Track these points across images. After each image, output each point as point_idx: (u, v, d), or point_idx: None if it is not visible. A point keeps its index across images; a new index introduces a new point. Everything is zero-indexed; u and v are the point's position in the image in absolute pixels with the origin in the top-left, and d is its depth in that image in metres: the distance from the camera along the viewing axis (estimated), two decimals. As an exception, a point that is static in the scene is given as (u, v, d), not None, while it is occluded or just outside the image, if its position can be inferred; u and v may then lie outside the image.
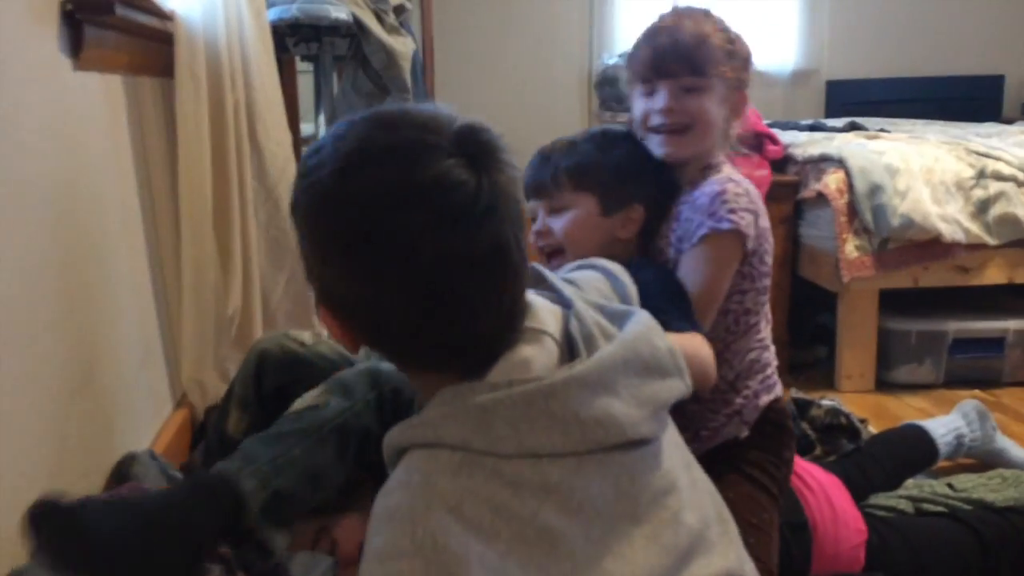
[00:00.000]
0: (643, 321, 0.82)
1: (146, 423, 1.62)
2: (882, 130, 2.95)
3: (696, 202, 1.24)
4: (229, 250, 1.73)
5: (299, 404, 1.18)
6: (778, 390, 1.32)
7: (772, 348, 1.34)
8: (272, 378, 1.38)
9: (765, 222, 1.27)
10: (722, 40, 1.28)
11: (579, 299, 0.83)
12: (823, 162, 2.50)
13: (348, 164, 0.73)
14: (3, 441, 1.02)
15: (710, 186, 1.24)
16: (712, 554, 0.79)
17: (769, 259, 1.28)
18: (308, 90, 2.87)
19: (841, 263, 2.37)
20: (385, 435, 0.77)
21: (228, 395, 1.45)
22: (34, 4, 1.15)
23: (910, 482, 1.69)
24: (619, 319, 0.83)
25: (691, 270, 1.19)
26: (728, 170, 1.29)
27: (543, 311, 0.80)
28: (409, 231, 0.70)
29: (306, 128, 3.24)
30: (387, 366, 1.19)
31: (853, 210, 2.38)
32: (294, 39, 2.33)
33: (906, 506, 1.58)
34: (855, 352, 2.46)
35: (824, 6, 4.42)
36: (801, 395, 1.95)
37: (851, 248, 2.38)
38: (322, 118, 2.57)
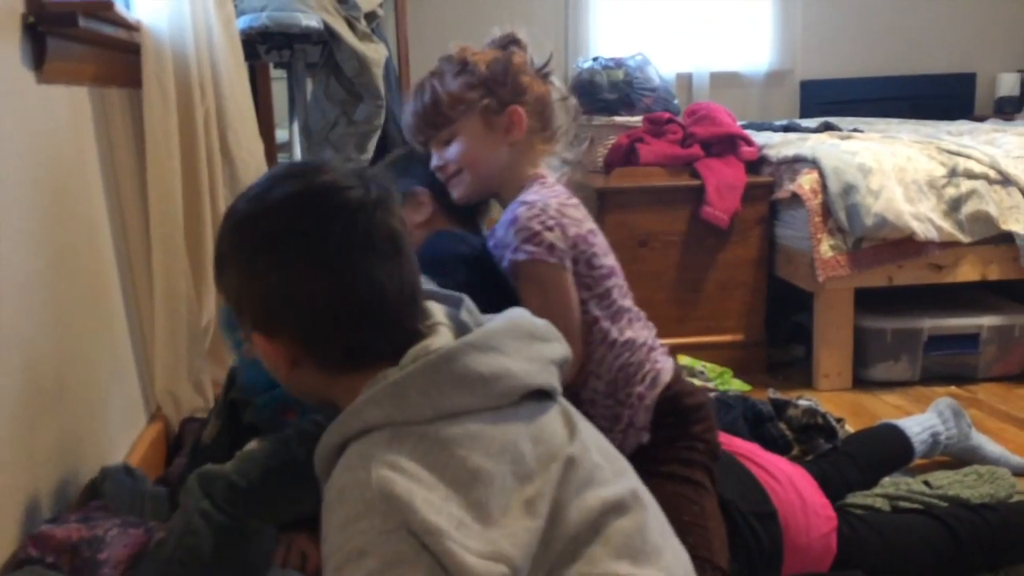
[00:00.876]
0: (518, 310, 0.95)
1: (120, 436, 1.61)
2: (855, 130, 2.97)
3: (498, 232, 1.27)
4: (201, 261, 1.71)
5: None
6: (664, 377, 1.27)
7: (645, 341, 1.29)
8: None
9: (580, 227, 1.25)
10: (458, 81, 1.30)
11: (466, 297, 0.96)
12: (797, 163, 2.52)
13: (260, 189, 0.89)
14: (-33, 460, 1.01)
15: (507, 214, 1.26)
16: (607, 484, 0.86)
17: (603, 259, 1.27)
18: (283, 97, 2.85)
19: (816, 263, 2.39)
20: (317, 446, 0.86)
21: (215, 405, 1.45)
22: (-6, 17, 1.14)
23: (887, 480, 1.70)
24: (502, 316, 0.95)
25: (527, 305, 1.12)
26: (534, 189, 1.28)
27: (435, 309, 0.93)
28: (317, 224, 0.85)
29: (281, 135, 3.22)
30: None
31: (827, 210, 2.40)
32: (265, 47, 2.32)
33: (882, 504, 1.59)
34: (832, 351, 2.47)
35: (797, 7, 4.45)
36: (778, 395, 1.96)
37: (826, 248, 2.39)
38: (296, 125, 2.56)
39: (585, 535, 0.82)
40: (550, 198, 1.24)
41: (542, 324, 0.93)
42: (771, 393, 1.97)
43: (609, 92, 2.82)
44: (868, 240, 2.39)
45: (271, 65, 3.03)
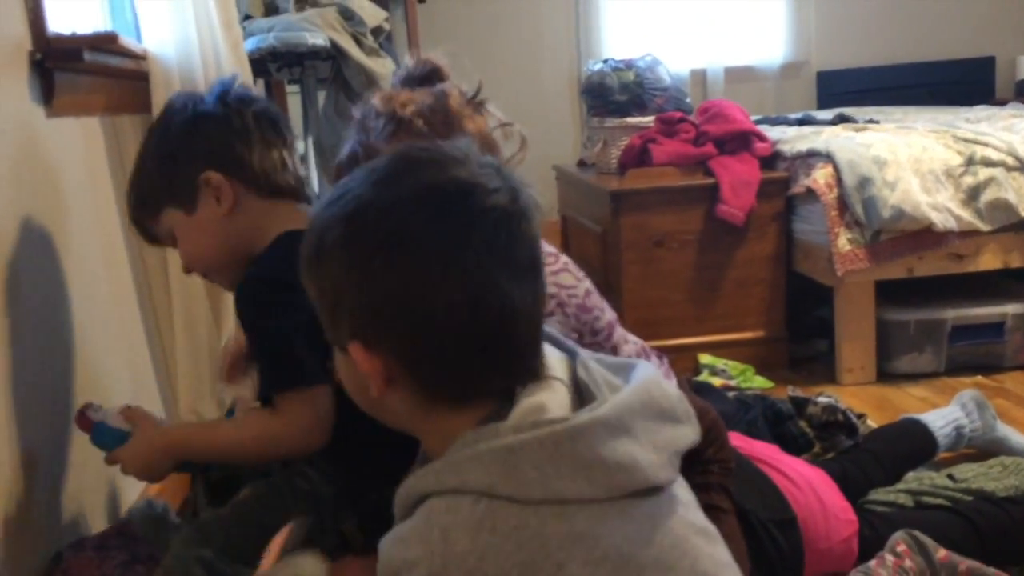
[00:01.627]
0: (650, 369, 0.81)
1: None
2: (871, 120, 2.94)
3: None
4: (217, 282, 1.74)
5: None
6: None
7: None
8: None
9: (577, 295, 1.20)
10: (393, 142, 1.13)
11: (580, 349, 0.83)
12: (811, 157, 2.50)
13: (385, 175, 0.75)
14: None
15: None
16: None
17: (602, 318, 1.23)
18: (298, 111, 2.89)
19: (835, 257, 2.37)
20: (399, 486, 0.76)
21: None
22: (2, 55, 1.17)
23: (910, 475, 1.68)
24: (621, 371, 0.82)
25: None
26: None
27: (551, 357, 0.80)
28: (455, 228, 0.72)
29: (300, 147, 3.26)
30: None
31: (844, 204, 2.38)
32: (276, 65, 2.35)
33: (905, 500, 1.57)
34: (854, 345, 2.45)
35: (811, -4, 4.42)
36: (798, 393, 1.94)
37: (844, 242, 2.37)
38: (310, 139, 2.58)
39: None
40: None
41: (675, 398, 0.80)
42: (790, 391, 1.96)
43: (620, 94, 2.82)
44: (886, 232, 2.37)
45: (285, 81, 3.07)
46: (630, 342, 1.33)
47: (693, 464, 1.24)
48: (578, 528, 0.70)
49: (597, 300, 1.25)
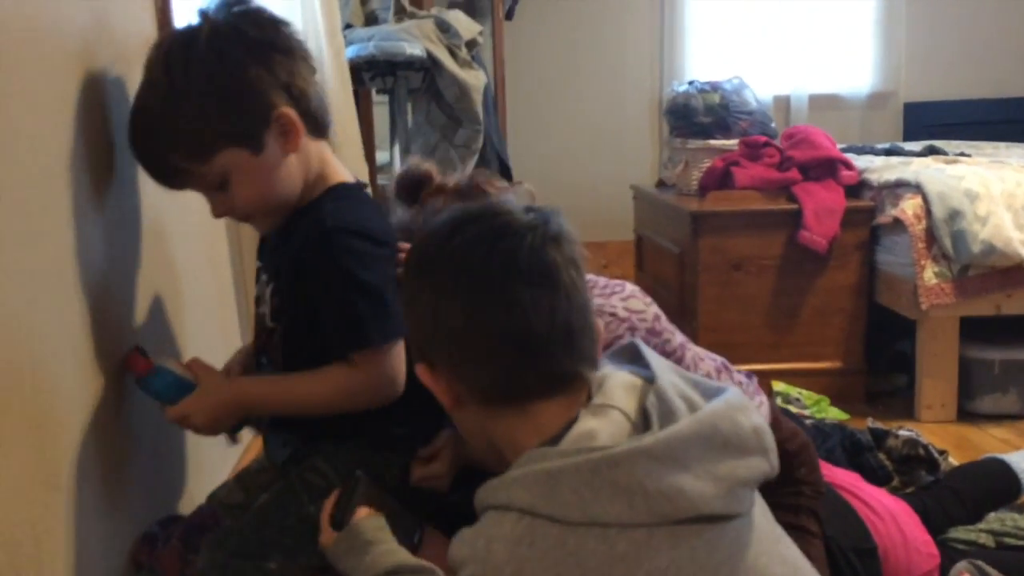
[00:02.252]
0: (728, 398, 0.82)
1: (229, 453, 1.69)
2: (962, 154, 2.88)
3: None
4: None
5: None
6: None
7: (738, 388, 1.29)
8: None
9: (646, 319, 1.22)
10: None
11: (671, 373, 0.86)
12: (899, 187, 2.46)
13: (454, 226, 0.86)
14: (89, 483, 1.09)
15: None
16: None
17: (674, 340, 1.25)
18: (383, 120, 2.95)
19: (920, 290, 2.33)
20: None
21: None
22: (132, 49, 1.23)
23: (992, 516, 1.64)
24: (711, 395, 0.85)
25: None
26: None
27: (616, 387, 0.83)
28: (465, 245, 0.83)
29: (381, 156, 3.33)
30: None
31: (931, 236, 2.34)
32: (370, 74, 2.41)
33: (986, 540, 1.54)
34: (935, 381, 2.40)
35: (901, 26, 4.34)
36: (878, 425, 1.92)
37: (930, 275, 2.33)
38: (397, 148, 2.64)
39: None
40: (612, 297, 1.23)
41: (747, 430, 0.80)
42: (870, 422, 1.93)
43: (704, 115, 2.82)
44: (975, 268, 2.32)
45: (373, 91, 3.15)
46: (706, 360, 1.33)
47: (784, 485, 1.24)
48: (618, 550, 0.72)
49: (666, 324, 1.28)
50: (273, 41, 1.05)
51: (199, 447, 1.49)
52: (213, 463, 1.59)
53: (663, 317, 1.29)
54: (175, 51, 1.03)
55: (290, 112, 1.05)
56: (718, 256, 2.56)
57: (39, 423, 0.93)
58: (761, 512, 0.84)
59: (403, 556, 0.96)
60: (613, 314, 1.23)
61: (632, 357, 0.91)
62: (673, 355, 1.27)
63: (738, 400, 0.83)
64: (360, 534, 0.98)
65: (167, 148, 1.04)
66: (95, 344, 1.08)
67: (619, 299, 1.25)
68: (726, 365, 1.37)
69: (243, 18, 1.05)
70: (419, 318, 0.85)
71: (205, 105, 1.01)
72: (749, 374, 1.38)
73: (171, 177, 1.08)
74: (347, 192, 1.14)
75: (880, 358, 2.65)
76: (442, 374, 0.85)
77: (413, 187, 1.25)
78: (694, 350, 1.32)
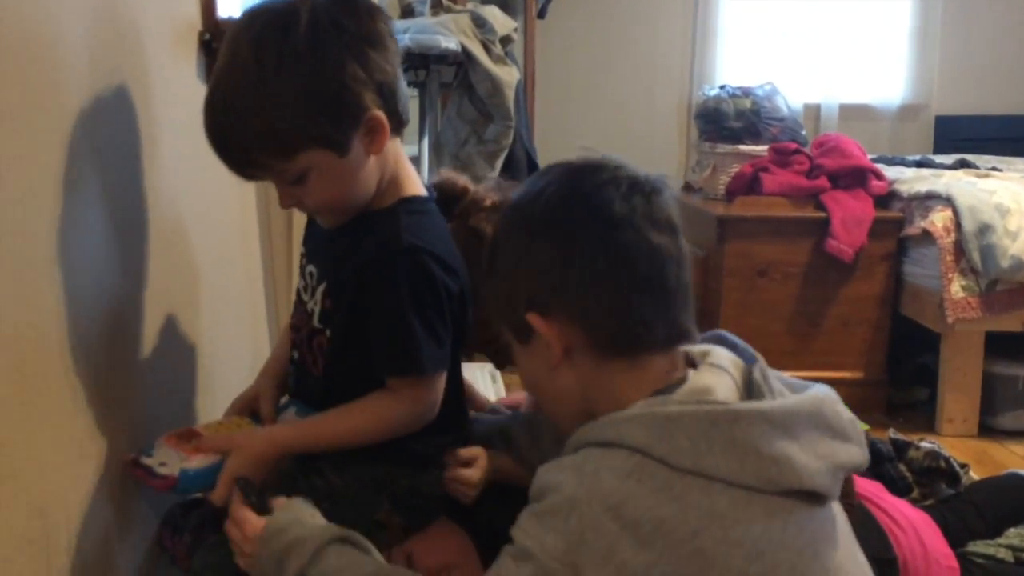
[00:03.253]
0: (825, 389, 0.86)
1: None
2: (994, 168, 2.86)
3: None
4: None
5: None
6: None
7: None
8: None
9: None
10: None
11: (763, 362, 0.89)
12: (929, 199, 2.45)
13: (575, 176, 0.87)
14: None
15: None
16: None
17: None
18: (413, 114, 2.97)
19: (946, 303, 2.31)
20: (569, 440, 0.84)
21: None
22: (176, 34, 1.25)
23: (1011, 531, 1.63)
24: (799, 387, 0.87)
25: None
26: None
27: (723, 356, 0.86)
28: (597, 192, 0.83)
29: (409, 150, 3.35)
30: None
31: (960, 249, 2.32)
32: (403, 66, 2.42)
33: (1005, 555, 1.52)
34: (958, 396, 2.39)
35: (935, 38, 4.31)
36: (900, 436, 1.90)
37: (957, 288, 2.32)
38: (426, 142, 2.65)
39: None
40: None
41: (846, 419, 0.84)
42: (892, 433, 1.92)
43: (735, 120, 2.81)
44: (1003, 283, 2.30)
45: (405, 83, 3.16)
46: None
47: None
48: (719, 507, 0.74)
49: None
50: (369, 34, 0.99)
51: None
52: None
53: None
54: (268, 36, 0.95)
55: (380, 115, 0.99)
56: (743, 261, 2.55)
57: (72, 396, 0.95)
58: (839, 510, 0.85)
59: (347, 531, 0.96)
60: None
61: (719, 342, 0.92)
62: None
63: (833, 392, 0.86)
64: (298, 506, 0.98)
65: (250, 143, 0.97)
66: (127, 324, 1.10)
67: None
68: None
69: (343, 7, 0.98)
70: (538, 269, 0.84)
71: (298, 107, 0.95)
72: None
73: (246, 168, 1.02)
74: (422, 207, 1.09)
75: (902, 370, 2.64)
76: (559, 324, 0.84)
77: (448, 200, 1.22)
78: None
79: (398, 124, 1.05)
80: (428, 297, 1.02)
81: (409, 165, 1.12)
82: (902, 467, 1.80)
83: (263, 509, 0.99)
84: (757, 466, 0.75)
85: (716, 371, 0.83)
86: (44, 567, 0.87)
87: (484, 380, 2.01)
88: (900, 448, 1.85)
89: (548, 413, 0.95)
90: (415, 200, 1.08)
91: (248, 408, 1.21)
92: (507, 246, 0.87)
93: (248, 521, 0.97)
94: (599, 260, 0.82)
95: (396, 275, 1.01)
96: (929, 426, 2.43)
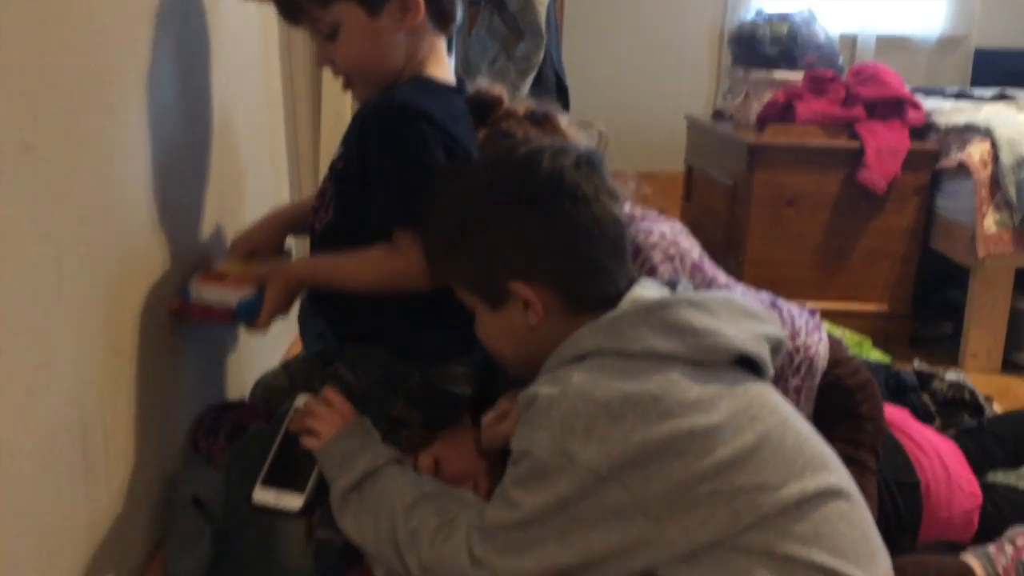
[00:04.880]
0: (735, 294, 1.01)
1: (280, 337, 1.72)
2: (1035, 102, 2.79)
3: None
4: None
5: None
6: (819, 363, 1.27)
7: (788, 326, 1.30)
8: None
9: (693, 256, 1.26)
10: None
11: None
12: (968, 131, 2.39)
13: (492, 159, 1.01)
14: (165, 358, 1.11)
15: None
16: (824, 470, 0.88)
17: (720, 280, 1.28)
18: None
19: (978, 237, 2.28)
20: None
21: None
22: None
23: (1032, 463, 1.63)
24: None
25: None
26: (649, 221, 1.28)
27: (650, 281, 0.99)
28: (567, 170, 0.95)
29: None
30: None
31: (996, 183, 2.28)
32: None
33: (1026, 485, 1.53)
34: (983, 331, 2.37)
35: (979, -32, 4.17)
36: (924, 367, 1.90)
37: (990, 223, 2.28)
38: (453, 58, 2.61)
39: (777, 518, 0.83)
40: (663, 224, 1.26)
41: (759, 308, 0.97)
42: (916, 364, 1.91)
43: (771, 46, 2.74)
44: (1037, 218, 2.26)
45: None
46: (752, 298, 1.33)
47: (846, 420, 1.24)
48: (672, 376, 0.85)
49: (710, 264, 1.29)
50: None
51: (250, 338, 1.52)
52: (262, 352, 1.62)
53: (707, 258, 1.30)
54: None
55: None
56: (772, 191, 2.51)
57: (108, 292, 0.95)
58: (779, 393, 0.96)
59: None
60: (662, 236, 1.23)
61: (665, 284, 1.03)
62: (721, 290, 1.27)
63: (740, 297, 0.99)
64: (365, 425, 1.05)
65: None
66: (161, 223, 1.10)
67: (669, 229, 1.26)
68: (774, 302, 1.36)
69: None
70: (522, 243, 0.94)
71: None
72: (812, 311, 1.37)
73: (292, 12, 1.12)
74: (435, 87, 1.14)
75: (927, 305, 2.61)
76: (540, 289, 0.94)
77: (483, 110, 1.25)
78: (741, 288, 1.32)
79: (439, 16, 1.12)
80: (420, 151, 1.06)
81: (446, 62, 1.16)
82: (925, 397, 1.80)
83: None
84: (694, 339, 0.87)
85: (644, 286, 0.97)
86: (81, 455, 0.89)
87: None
88: (924, 379, 1.85)
89: (511, 365, 1.03)
90: (431, 80, 1.14)
91: (249, 246, 1.29)
92: (485, 224, 0.95)
93: (337, 405, 1.06)
94: (578, 232, 0.94)
95: (391, 129, 1.07)
96: (952, 360, 2.42)
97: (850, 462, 1.21)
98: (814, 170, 2.50)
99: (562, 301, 0.95)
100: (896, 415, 1.45)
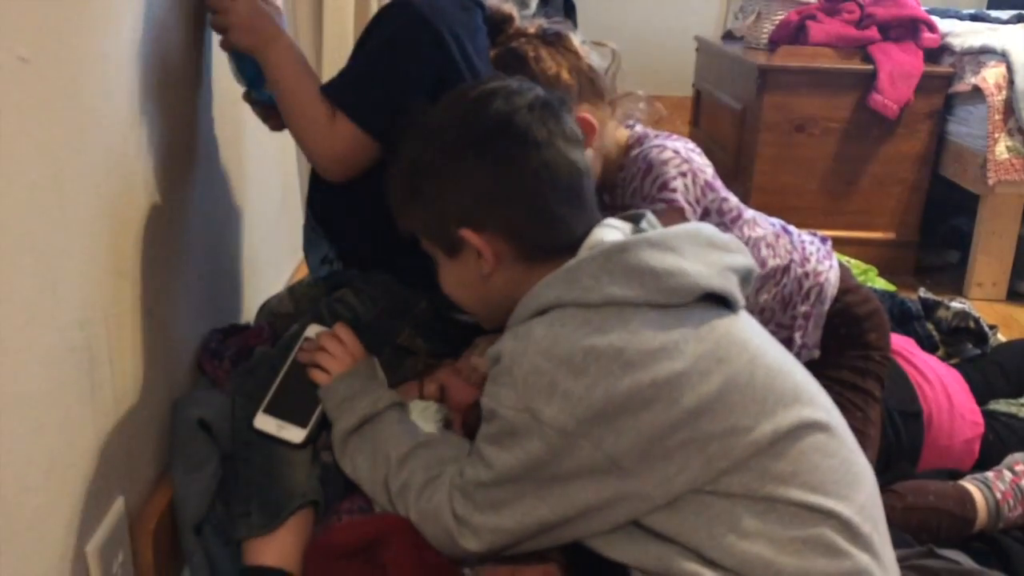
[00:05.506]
0: (701, 223, 0.95)
1: (285, 262, 1.71)
2: (1053, 25, 2.71)
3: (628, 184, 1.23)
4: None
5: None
6: (829, 290, 1.26)
7: (792, 259, 1.28)
8: None
9: (706, 174, 1.23)
10: None
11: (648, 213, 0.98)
12: (983, 54, 2.33)
13: (446, 105, 0.95)
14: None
15: (639, 163, 1.22)
16: (797, 403, 0.84)
17: (730, 201, 1.26)
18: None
19: (989, 164, 2.25)
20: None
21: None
22: None
23: (1034, 391, 1.64)
24: None
25: None
26: (652, 144, 1.24)
27: (614, 222, 0.95)
28: (518, 113, 0.90)
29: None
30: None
31: (1010, 108, 2.23)
32: None
33: (1028, 414, 1.53)
34: (990, 259, 2.36)
35: None
36: (929, 295, 1.89)
37: (1002, 149, 2.24)
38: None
39: (752, 460, 0.81)
40: (675, 142, 1.23)
41: (726, 237, 0.93)
42: (922, 292, 1.90)
43: (784, -37, 2.66)
44: (1051, 145, 2.22)
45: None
46: (763, 224, 1.31)
47: (853, 348, 1.24)
48: (634, 325, 0.82)
49: (722, 186, 1.27)
50: None
51: (255, 262, 1.51)
52: (268, 277, 1.61)
53: (719, 181, 1.28)
54: None
55: None
56: (782, 115, 2.47)
57: (110, 212, 0.94)
58: (755, 322, 0.94)
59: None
60: (675, 152, 1.21)
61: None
62: (729, 214, 1.27)
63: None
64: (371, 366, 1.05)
65: None
66: (165, 155, 1.08)
67: (683, 146, 1.25)
68: (785, 228, 1.35)
69: None
70: (470, 190, 0.90)
71: None
72: (824, 238, 1.35)
73: None
74: None
75: (934, 232, 2.60)
76: (491, 237, 0.91)
77: (493, 28, 1.23)
78: (751, 212, 1.30)
79: None
80: (396, 56, 1.05)
81: None
82: (929, 326, 1.80)
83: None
84: (655, 282, 0.83)
85: (605, 228, 0.92)
86: (87, 376, 0.89)
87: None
88: (929, 307, 1.84)
89: (478, 315, 1.02)
90: None
91: None
92: (433, 169, 0.92)
93: (348, 343, 1.06)
94: (527, 179, 0.89)
95: (388, 19, 1.08)
96: (957, 289, 2.41)
97: (855, 390, 1.22)
98: (825, 94, 2.46)
99: (514, 250, 0.91)
100: (902, 343, 1.45)
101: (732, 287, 0.88)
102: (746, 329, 0.88)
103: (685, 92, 3.40)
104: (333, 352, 1.05)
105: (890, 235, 2.54)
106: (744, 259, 0.92)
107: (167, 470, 1.08)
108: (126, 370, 0.98)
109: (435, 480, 0.92)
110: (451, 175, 0.91)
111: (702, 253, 0.88)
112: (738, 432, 0.81)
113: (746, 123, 2.59)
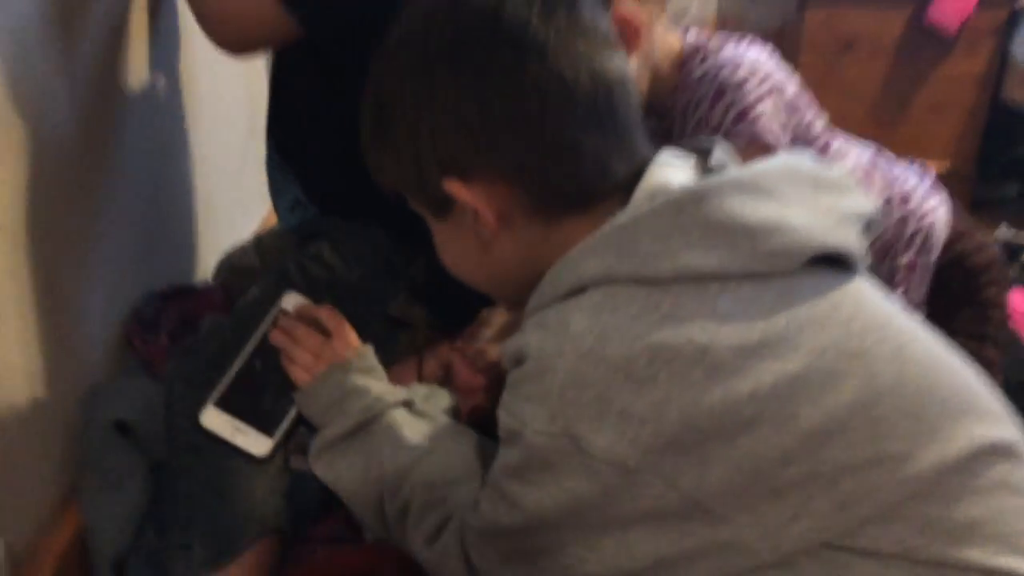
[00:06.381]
0: (796, 155, 0.69)
1: (255, 205, 1.48)
2: None
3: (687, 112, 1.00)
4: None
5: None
6: (937, 236, 1.06)
7: (891, 197, 1.07)
8: None
9: (792, 86, 1.01)
10: None
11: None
12: (1059, -42, 2.07)
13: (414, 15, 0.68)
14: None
15: (703, 86, 0.98)
16: (970, 416, 0.58)
17: (816, 125, 1.06)
18: None
19: (1061, 85, 2.00)
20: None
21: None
22: None
23: None
24: None
25: None
26: (721, 53, 1.00)
27: (671, 154, 0.69)
28: (509, 9, 0.65)
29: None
30: None
31: (1087, 21, 1.98)
32: None
33: None
34: (1057, 193, 2.13)
35: None
36: (1010, 235, 1.66)
37: (1076, 67, 2.00)
38: None
39: (908, 504, 0.55)
40: (747, 50, 0.99)
41: (835, 173, 0.67)
42: (1004, 230, 1.68)
43: None
44: None
45: None
46: (854, 151, 1.12)
47: (968, 308, 1.04)
48: (720, 309, 0.58)
49: (807, 103, 1.05)
50: None
51: (213, 208, 1.26)
52: (230, 223, 1.36)
53: (806, 98, 1.05)
54: None
55: None
56: (827, 33, 2.26)
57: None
58: (871, 285, 0.67)
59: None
60: (753, 69, 0.96)
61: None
62: (816, 142, 1.06)
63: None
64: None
65: None
66: (81, 46, 0.82)
67: (758, 54, 1.01)
68: (878, 155, 1.12)
69: None
70: (447, 122, 0.65)
71: None
72: (924, 168, 1.15)
73: None
74: None
75: (993, 163, 2.38)
76: (486, 188, 0.66)
77: None
78: (841, 139, 1.08)
79: None
80: None
81: None
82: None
83: None
84: (751, 244, 0.59)
85: (663, 167, 0.66)
86: None
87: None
88: (1013, 251, 1.62)
89: (492, 295, 0.78)
90: None
91: None
92: (397, 97, 0.67)
93: (345, 338, 0.83)
94: (528, 101, 0.64)
95: None
96: (1020, 224, 2.19)
97: (975, 360, 0.99)
98: (875, 8, 2.24)
99: (524, 203, 0.66)
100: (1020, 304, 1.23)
101: (852, 242, 0.63)
102: (879, 303, 0.63)
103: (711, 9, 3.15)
104: (312, 349, 0.82)
105: (944, 165, 2.32)
106: (863, 202, 0.66)
107: (72, 492, 0.82)
108: (12, 360, 0.73)
109: (438, 508, 0.70)
110: (420, 102, 0.66)
111: (809, 197, 0.63)
112: (885, 462, 0.55)
113: (785, 43, 2.36)
